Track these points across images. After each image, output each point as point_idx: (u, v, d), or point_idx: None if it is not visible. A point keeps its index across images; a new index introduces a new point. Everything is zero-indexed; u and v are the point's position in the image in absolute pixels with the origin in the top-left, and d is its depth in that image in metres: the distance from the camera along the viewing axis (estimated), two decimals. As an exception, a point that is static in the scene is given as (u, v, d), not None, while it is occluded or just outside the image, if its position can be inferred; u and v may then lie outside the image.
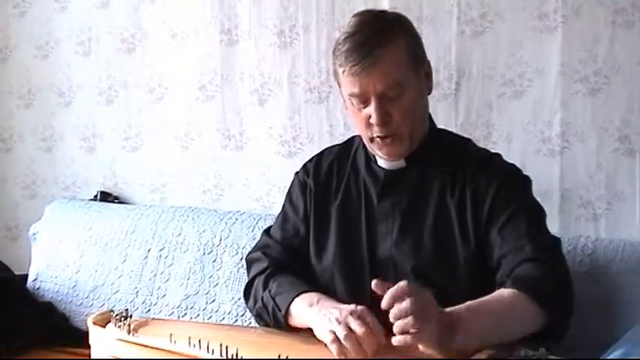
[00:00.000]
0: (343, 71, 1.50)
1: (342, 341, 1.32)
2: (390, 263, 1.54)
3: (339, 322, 1.34)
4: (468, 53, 2.14)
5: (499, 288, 1.39)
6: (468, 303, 1.31)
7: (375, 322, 1.34)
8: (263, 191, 2.42)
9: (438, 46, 2.10)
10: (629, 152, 2.01)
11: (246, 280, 1.72)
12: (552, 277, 1.41)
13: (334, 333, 1.33)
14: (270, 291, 1.58)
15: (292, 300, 1.52)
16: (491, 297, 1.36)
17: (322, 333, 1.37)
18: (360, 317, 1.35)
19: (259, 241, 1.77)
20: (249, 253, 1.77)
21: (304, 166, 1.75)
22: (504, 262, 1.46)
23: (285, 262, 1.66)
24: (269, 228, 1.78)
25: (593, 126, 2.03)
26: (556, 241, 1.53)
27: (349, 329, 1.33)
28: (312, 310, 1.45)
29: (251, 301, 1.67)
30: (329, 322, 1.36)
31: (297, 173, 1.76)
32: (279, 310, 1.53)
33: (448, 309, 1.27)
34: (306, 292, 1.53)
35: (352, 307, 1.38)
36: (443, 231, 1.53)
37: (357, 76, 1.47)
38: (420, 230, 1.54)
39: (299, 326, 1.51)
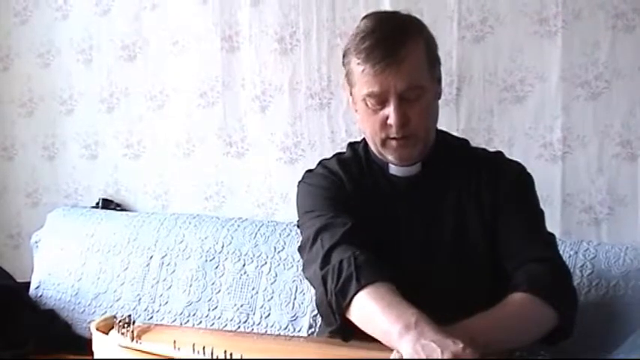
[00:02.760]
0: (363, 70, 1.44)
1: None
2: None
3: None
4: (469, 58, 2.14)
5: (509, 284, 1.41)
6: (485, 313, 1.32)
7: None
8: (265, 198, 2.42)
9: (439, 52, 2.10)
10: (630, 157, 2.02)
11: (322, 252, 1.44)
12: (560, 276, 1.44)
13: None
14: (355, 257, 1.37)
15: (375, 282, 1.33)
16: (506, 305, 1.36)
17: None
18: None
19: (316, 227, 1.48)
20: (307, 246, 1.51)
21: (324, 166, 1.63)
22: (510, 259, 1.47)
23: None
24: (318, 228, 1.48)
25: (594, 130, 2.04)
26: (553, 238, 1.55)
27: None
28: (407, 336, 1.22)
29: (323, 266, 1.41)
30: None
31: (310, 172, 1.64)
32: (358, 281, 1.33)
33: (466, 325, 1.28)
34: (393, 287, 1.34)
35: (459, 349, 1.17)
36: (462, 233, 1.52)
37: (379, 75, 1.42)
38: (440, 234, 1.53)
39: (360, 323, 1.33)
